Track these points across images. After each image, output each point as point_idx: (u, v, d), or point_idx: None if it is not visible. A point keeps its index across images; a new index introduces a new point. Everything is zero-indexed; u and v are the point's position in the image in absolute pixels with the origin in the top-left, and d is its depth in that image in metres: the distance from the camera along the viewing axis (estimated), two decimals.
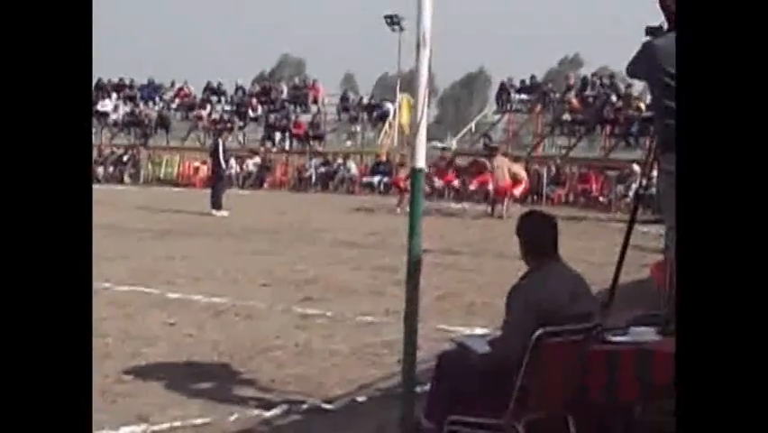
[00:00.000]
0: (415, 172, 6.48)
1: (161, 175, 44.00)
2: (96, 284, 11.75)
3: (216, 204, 25.71)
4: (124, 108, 50.74)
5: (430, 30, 6.28)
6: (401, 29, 44.83)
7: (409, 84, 37.25)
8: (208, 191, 27.40)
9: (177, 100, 50.51)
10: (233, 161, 36.86)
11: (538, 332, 5.21)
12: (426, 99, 6.40)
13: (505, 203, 25.14)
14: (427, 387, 6.19)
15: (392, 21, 45.40)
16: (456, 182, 31.57)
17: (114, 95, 51.62)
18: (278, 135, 45.80)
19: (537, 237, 5.76)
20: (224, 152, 27.86)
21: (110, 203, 27.81)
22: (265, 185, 39.42)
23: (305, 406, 7.11)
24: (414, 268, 6.40)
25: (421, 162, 6.44)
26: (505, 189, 25.33)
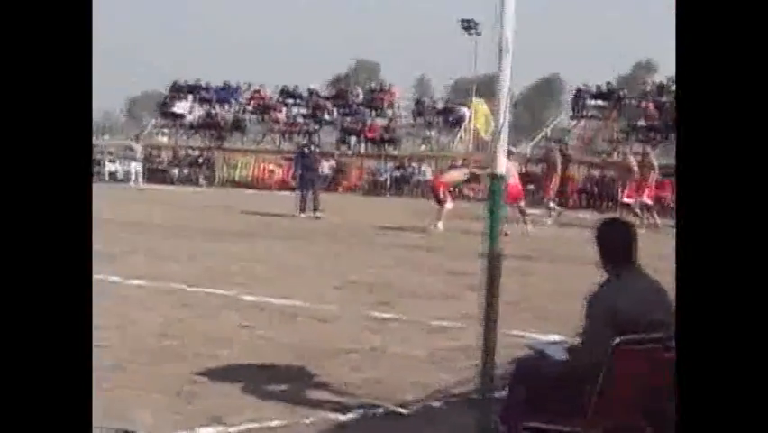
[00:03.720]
0: (495, 178, 6.46)
1: (236, 177, 44.22)
2: (170, 285, 11.94)
3: (306, 206, 25.94)
4: (199, 110, 51.06)
5: (512, 35, 6.25)
6: (477, 33, 44.78)
7: (485, 88, 37.08)
8: (282, 194, 27.51)
9: (252, 103, 50.73)
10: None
11: (617, 340, 5.17)
12: (508, 105, 6.37)
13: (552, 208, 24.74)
14: (503, 392, 6.15)
15: (468, 25, 45.37)
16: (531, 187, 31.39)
17: (190, 96, 51.96)
18: (352, 139, 45.93)
19: (616, 245, 5.71)
20: (309, 155, 27.99)
21: (184, 205, 28.05)
22: (339, 188, 39.49)
23: (380, 410, 7.09)
24: (492, 273, 6.38)
25: (501, 168, 6.42)
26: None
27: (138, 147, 44.59)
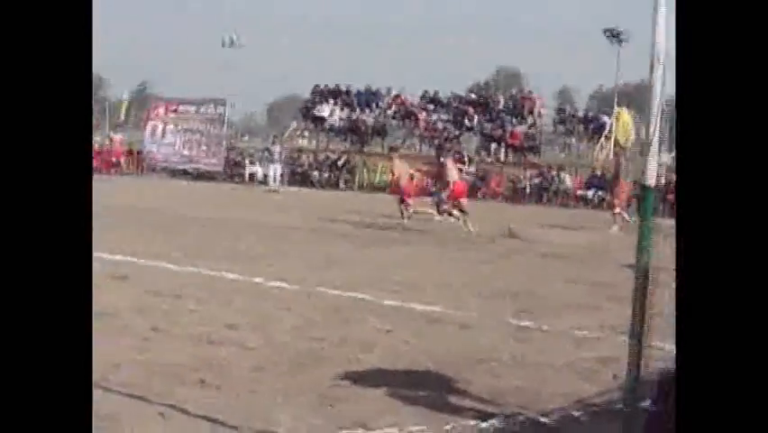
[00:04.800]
0: (645, 189, 6.39)
1: (376, 181, 44.44)
2: (311, 288, 12.03)
3: (443, 210, 26.03)
4: (341, 114, 51.46)
5: (665, 47, 6.17)
6: (621, 43, 44.33)
7: (627, 97, 36.80)
8: (422, 199, 27.59)
9: (393, 107, 50.95)
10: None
11: None
12: (660, 117, 6.29)
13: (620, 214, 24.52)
14: (648, 404, 6.07)
15: (612, 34, 44.95)
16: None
17: (332, 100, 52.39)
18: (493, 146, 45.83)
19: None
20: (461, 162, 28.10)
21: (323, 208, 28.26)
22: (479, 195, 39.45)
23: (521, 418, 7.04)
24: (642, 284, 6.31)
25: (652, 180, 6.34)
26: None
27: (277, 150, 45.16)
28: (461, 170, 25.96)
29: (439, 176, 24.17)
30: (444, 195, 23.56)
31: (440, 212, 23.71)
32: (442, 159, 24.72)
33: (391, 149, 27.76)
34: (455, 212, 23.47)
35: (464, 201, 23.85)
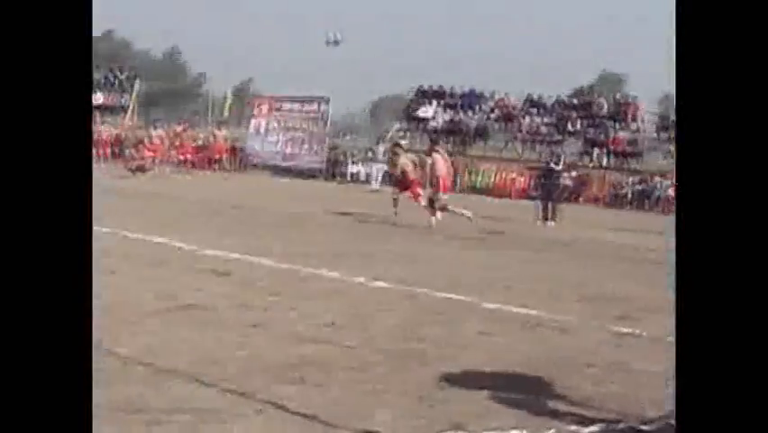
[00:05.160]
0: None
1: (477, 184, 44.39)
2: (411, 289, 12.04)
3: (548, 215, 26.14)
4: (444, 116, 51.46)
5: None
6: None
7: None
8: (523, 203, 27.63)
9: (496, 110, 50.84)
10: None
11: None
12: None
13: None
14: None
15: None
16: None
17: (435, 102, 52.40)
18: (595, 151, 45.52)
19: None
20: (557, 164, 28.06)
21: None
22: (580, 199, 39.22)
23: (621, 426, 6.99)
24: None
25: None
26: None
27: (380, 150, 45.27)
28: (449, 166, 25.92)
29: (429, 171, 24.16)
30: (433, 190, 23.77)
31: (437, 208, 23.64)
32: (433, 153, 24.72)
33: (395, 144, 27.66)
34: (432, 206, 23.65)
35: (444, 197, 23.89)
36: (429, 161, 24.25)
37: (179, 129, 50.62)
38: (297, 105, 51.42)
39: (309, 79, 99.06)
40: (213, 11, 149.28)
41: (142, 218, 20.36)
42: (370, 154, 46.98)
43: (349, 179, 47.60)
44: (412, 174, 24.63)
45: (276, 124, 51.65)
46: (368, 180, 44.81)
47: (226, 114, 64.60)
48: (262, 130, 52.42)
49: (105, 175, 26.07)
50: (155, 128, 48.43)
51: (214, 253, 14.65)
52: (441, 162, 24.29)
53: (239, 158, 51.98)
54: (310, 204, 28.77)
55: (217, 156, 50.53)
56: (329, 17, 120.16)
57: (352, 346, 8.76)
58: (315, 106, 50.56)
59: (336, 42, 56.97)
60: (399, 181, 25.10)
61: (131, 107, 58.46)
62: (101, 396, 6.53)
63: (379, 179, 43.43)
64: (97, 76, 62.82)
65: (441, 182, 23.73)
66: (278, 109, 52.13)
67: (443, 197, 23.77)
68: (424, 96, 53.40)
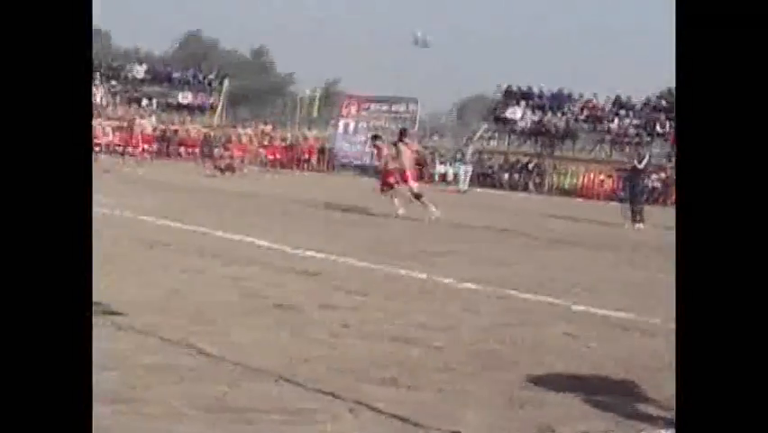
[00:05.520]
0: None
1: (565, 185, 44.23)
2: (499, 290, 12.03)
3: (636, 217, 26.12)
4: (532, 117, 51.35)
5: None
6: None
7: None
8: (611, 204, 27.51)
9: (584, 112, 50.56)
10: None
11: None
12: None
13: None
14: None
15: None
16: None
17: (523, 103, 52.28)
18: None
19: None
20: (639, 162, 27.94)
21: (512, 210, 28.18)
22: (668, 202, 38.84)
23: None
24: None
25: None
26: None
27: (468, 150, 45.28)
28: (416, 158, 27.56)
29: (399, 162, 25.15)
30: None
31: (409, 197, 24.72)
32: (398, 144, 25.72)
33: (375, 137, 29.13)
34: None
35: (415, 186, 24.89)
36: (394, 151, 25.54)
37: (267, 128, 51.03)
38: (384, 106, 51.56)
39: (396, 80, 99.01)
40: (300, 11, 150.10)
41: (232, 217, 20.63)
42: (458, 156, 46.96)
43: (437, 179, 47.60)
44: (390, 165, 25.57)
45: (363, 124, 51.81)
46: (455, 181, 44.81)
47: (315, 114, 64.92)
48: (350, 130, 52.64)
49: (193, 174, 26.36)
50: (244, 127, 48.90)
51: (302, 253, 14.76)
52: (407, 153, 25.31)
53: (327, 158, 52.21)
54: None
55: (306, 156, 50.81)
56: (415, 18, 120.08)
57: (440, 347, 8.77)
58: (402, 107, 50.65)
59: (425, 43, 57.00)
60: (385, 173, 26.03)
61: (219, 106, 59.05)
62: (190, 394, 6.63)
63: (467, 180, 43.43)
64: (184, 75, 63.62)
65: (405, 174, 24.80)
66: (365, 109, 52.32)
67: (414, 186, 24.86)
68: (510, 96, 53.25)
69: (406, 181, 24.84)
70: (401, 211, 24.20)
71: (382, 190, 25.70)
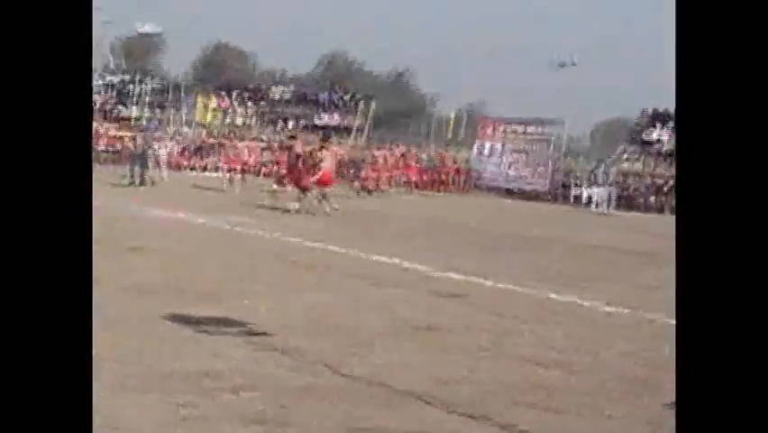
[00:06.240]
0: None
1: None
2: (647, 315, 11.89)
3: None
4: (670, 138, 50.63)
5: None
6: None
7: None
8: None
9: None
10: None
11: None
12: None
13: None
14: None
15: None
16: None
17: (659, 124, 51.67)
18: None
19: None
20: None
21: (653, 233, 27.80)
22: None
23: None
24: None
25: None
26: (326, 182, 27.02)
27: (612, 172, 44.88)
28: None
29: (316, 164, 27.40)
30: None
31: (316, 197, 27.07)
32: (322, 150, 27.84)
33: (323, 139, 30.42)
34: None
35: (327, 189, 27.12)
36: (319, 156, 27.27)
37: (403, 150, 51.14)
38: (521, 128, 51.25)
39: (537, 102, 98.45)
40: (443, 34, 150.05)
41: (373, 239, 20.68)
42: (603, 177, 46.50)
43: (572, 201, 47.17)
44: (301, 165, 27.57)
45: (500, 146, 51.59)
46: (589, 203, 44.39)
47: (451, 135, 64.85)
48: (486, 151, 52.43)
49: (333, 195, 26.66)
50: (389, 149, 49.16)
51: (446, 275, 14.79)
52: (329, 158, 27.36)
53: (464, 179, 52.06)
54: (536, 226, 28.72)
55: (444, 177, 50.77)
56: (553, 42, 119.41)
57: (585, 371, 8.80)
58: (542, 128, 50.28)
59: (571, 65, 56.58)
60: (291, 169, 28.15)
61: (366, 128, 59.48)
62: (335, 416, 6.71)
63: (608, 202, 43.05)
64: (330, 96, 64.17)
65: (323, 176, 26.70)
66: (504, 131, 52.06)
67: (326, 189, 26.97)
68: (652, 118, 52.64)
69: (325, 183, 27.03)
70: (296, 206, 26.38)
71: (280, 183, 28.59)
